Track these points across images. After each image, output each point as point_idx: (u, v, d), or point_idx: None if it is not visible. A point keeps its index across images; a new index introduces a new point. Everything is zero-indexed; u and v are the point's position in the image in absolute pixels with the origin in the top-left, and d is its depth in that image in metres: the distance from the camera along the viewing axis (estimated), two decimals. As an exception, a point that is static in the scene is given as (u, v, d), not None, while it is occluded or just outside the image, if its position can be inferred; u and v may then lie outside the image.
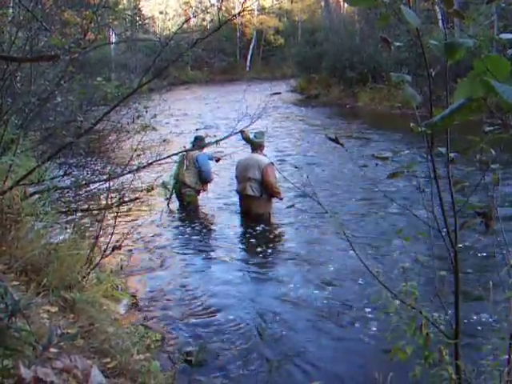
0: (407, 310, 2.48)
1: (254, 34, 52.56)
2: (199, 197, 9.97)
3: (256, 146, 9.04)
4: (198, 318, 5.72)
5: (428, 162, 2.39)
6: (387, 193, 8.38)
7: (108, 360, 3.91)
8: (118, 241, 5.45)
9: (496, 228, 2.66)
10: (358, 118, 21.64)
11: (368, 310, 5.48)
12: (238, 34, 52.77)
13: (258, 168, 8.75)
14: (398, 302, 2.50)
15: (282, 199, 9.09)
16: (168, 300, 6.14)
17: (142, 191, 6.10)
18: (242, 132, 3.09)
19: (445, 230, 2.37)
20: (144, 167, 6.12)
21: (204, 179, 9.71)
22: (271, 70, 49.47)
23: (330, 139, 2.57)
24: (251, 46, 52.18)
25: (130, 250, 7.56)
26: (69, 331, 4.08)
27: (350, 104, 25.58)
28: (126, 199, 6.09)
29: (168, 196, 9.74)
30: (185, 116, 22.51)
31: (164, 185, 5.17)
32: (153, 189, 5.88)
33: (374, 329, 5.10)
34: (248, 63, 51.89)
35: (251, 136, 8.48)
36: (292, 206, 9.21)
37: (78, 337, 3.97)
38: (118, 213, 5.34)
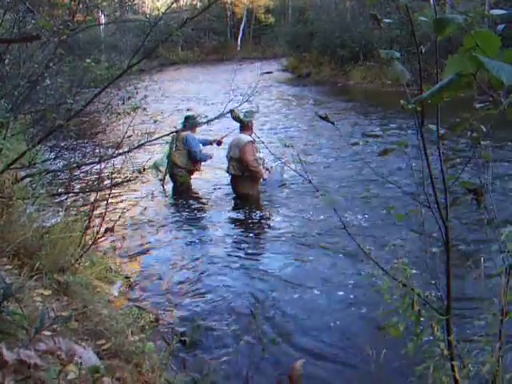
0: (399, 287, 2.49)
1: (245, 13, 52.27)
2: (192, 177, 9.92)
3: (244, 126, 8.96)
4: (191, 297, 5.73)
5: (418, 139, 2.38)
6: (378, 170, 8.40)
7: (103, 342, 3.91)
8: (110, 223, 5.45)
9: (487, 204, 2.66)
10: (350, 96, 21.58)
11: (360, 287, 5.49)
12: (229, 13, 52.45)
13: (238, 147, 8.77)
14: (389, 279, 2.50)
15: (264, 179, 9.10)
16: (162, 281, 6.15)
17: (133, 173, 6.08)
18: (231, 111, 3.04)
19: (436, 206, 2.37)
20: (134, 149, 6.09)
21: (194, 159, 9.64)
22: (262, 49, 49.31)
23: (321, 117, 2.56)
24: (242, 26, 51.88)
25: (124, 232, 7.56)
26: (62, 314, 4.09)
27: (342, 82, 25.52)
28: (118, 181, 6.06)
29: (162, 177, 9.74)
30: (175, 96, 22.38)
31: (155, 166, 5.14)
32: (144, 170, 5.86)
33: (367, 306, 5.10)
34: (239, 43, 51.64)
35: (241, 115, 8.42)
36: (283, 184, 9.19)
37: (71, 319, 3.99)
38: (109, 195, 5.31)
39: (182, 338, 4.80)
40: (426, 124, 2.47)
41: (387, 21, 2.61)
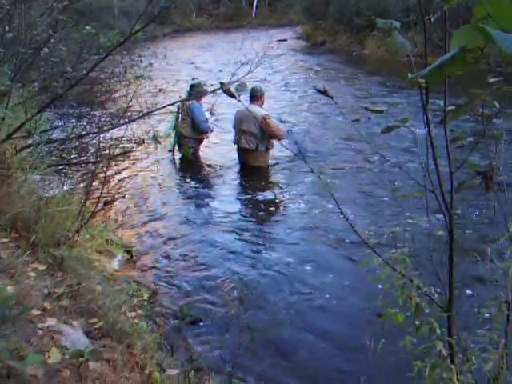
0: (398, 277, 2.32)
1: (260, -21, 51.53)
2: (201, 146, 9.73)
3: (255, 97, 8.81)
4: (192, 272, 5.64)
5: (423, 116, 2.19)
6: (381, 149, 8.10)
7: (95, 320, 3.80)
8: (110, 195, 5.31)
9: (497, 189, 2.47)
10: (364, 65, 21.18)
11: (359, 276, 5.21)
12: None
13: (254, 121, 8.50)
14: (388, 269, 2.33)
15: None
16: (163, 254, 6.03)
17: (136, 144, 5.91)
18: (221, 85, 2.86)
19: (440, 192, 2.18)
20: (137, 119, 5.92)
21: (198, 129, 9.43)
22: (278, 16, 48.62)
23: (319, 91, 2.37)
24: (257, -8, 51.18)
25: (128, 203, 7.43)
26: (55, 290, 3.98)
27: (357, 51, 25.07)
28: (116, 153, 5.90)
29: (171, 147, 9.55)
30: (185, 64, 22.07)
31: (154, 137, 4.96)
32: (143, 142, 5.69)
33: (364, 295, 4.90)
34: (254, 10, 50.95)
35: (232, 89, 8.04)
36: (276, 163, 8.97)
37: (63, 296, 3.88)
38: (108, 166, 5.16)
39: (179, 316, 4.70)
40: (433, 100, 2.28)
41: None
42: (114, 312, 4.02)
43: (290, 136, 8.41)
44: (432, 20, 2.26)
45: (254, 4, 50.76)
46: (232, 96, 2.52)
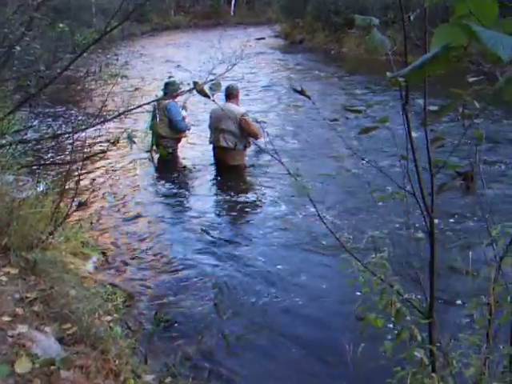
0: (378, 282, 2.25)
1: (238, -23, 51.41)
2: (179, 146, 9.60)
3: (230, 95, 8.72)
4: (168, 274, 5.57)
5: (403, 116, 2.13)
6: (361, 150, 7.93)
7: (68, 326, 3.70)
8: (85, 196, 5.21)
9: (479, 190, 2.43)
10: (341, 64, 21.14)
11: (338, 280, 5.13)
12: (222, -23, 51.61)
13: (233, 119, 8.41)
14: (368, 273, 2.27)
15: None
16: (139, 256, 5.94)
17: (111, 143, 5.80)
18: (195, 84, 2.78)
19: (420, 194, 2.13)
20: (112, 118, 5.82)
21: (175, 129, 9.29)
22: (256, 14, 48.51)
23: (296, 91, 2.30)
24: (235, -10, 51.06)
25: (103, 204, 7.32)
26: (28, 295, 3.88)
27: (335, 50, 25.05)
28: (94, 152, 5.79)
29: (149, 148, 9.41)
30: (163, 63, 21.86)
31: (130, 137, 4.87)
32: (117, 142, 5.58)
33: (344, 300, 4.77)
34: (232, 8, 50.82)
35: (206, 88, 7.85)
36: (252, 165, 8.86)
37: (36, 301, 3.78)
38: (83, 166, 5.06)
39: (155, 321, 4.62)
40: (413, 99, 2.23)
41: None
42: (88, 317, 3.93)
43: (266, 136, 8.32)
44: (411, 18, 2.20)
45: (232, 2, 50.64)
46: (206, 96, 2.45)
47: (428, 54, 1.29)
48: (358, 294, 2.64)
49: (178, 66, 20.34)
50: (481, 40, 1.12)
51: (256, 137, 8.58)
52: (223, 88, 8.56)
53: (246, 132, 8.55)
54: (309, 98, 2.31)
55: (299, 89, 2.29)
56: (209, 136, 8.99)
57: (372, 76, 16.08)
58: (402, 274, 2.49)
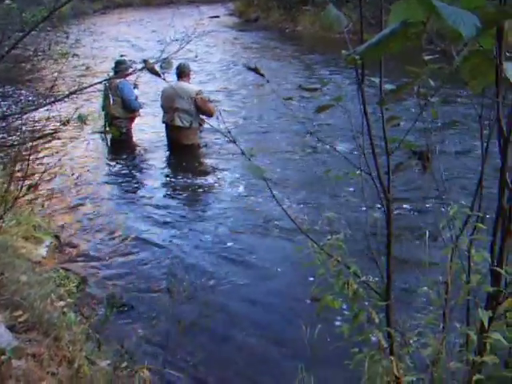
0: (334, 263, 2.22)
1: (192, -47, 50.70)
2: (132, 125, 9.41)
3: (182, 74, 8.58)
4: (122, 257, 5.51)
5: (358, 94, 2.09)
6: (317, 129, 7.88)
7: (20, 313, 3.60)
8: (35, 179, 5.06)
9: (434, 169, 2.41)
10: (296, 42, 21.04)
11: (293, 261, 5.08)
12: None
13: (187, 98, 8.29)
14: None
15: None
16: (92, 239, 5.84)
17: (61, 124, 5.64)
18: (144, 62, 2.68)
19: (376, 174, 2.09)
20: (63, 99, 5.64)
21: (129, 108, 9.10)
22: (210, -8, 48.03)
23: (250, 69, 2.24)
24: (188, -33, 50.36)
25: (56, 186, 7.16)
26: (-24, 283, 3.77)
27: (290, 28, 24.94)
28: (43, 133, 5.62)
29: (102, 128, 9.21)
30: (114, 41, 21.45)
31: (81, 117, 4.73)
32: (68, 122, 5.43)
33: (300, 282, 4.69)
34: (185, -15, 50.20)
35: (156, 67, 7.51)
36: (205, 145, 8.77)
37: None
38: (33, 148, 4.90)
39: (108, 304, 4.54)
40: (369, 77, 2.19)
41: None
42: (40, 303, 3.84)
43: (219, 115, 8.18)
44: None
45: (186, -20, 50.01)
46: (156, 74, 2.37)
47: (385, 30, 1.24)
48: (313, 277, 2.60)
49: (131, 44, 20.02)
50: (441, 16, 1.07)
51: (211, 115, 8.47)
52: (174, 66, 8.45)
53: (201, 110, 8.44)
54: (263, 75, 2.25)
55: (253, 66, 2.23)
56: (161, 115, 8.84)
57: (328, 54, 15.99)
58: (359, 255, 2.45)
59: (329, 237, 2.26)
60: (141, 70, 6.37)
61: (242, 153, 2.21)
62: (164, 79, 2.29)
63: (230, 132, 2.36)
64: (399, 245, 4.75)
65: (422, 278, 2.49)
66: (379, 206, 2.20)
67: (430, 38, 1.42)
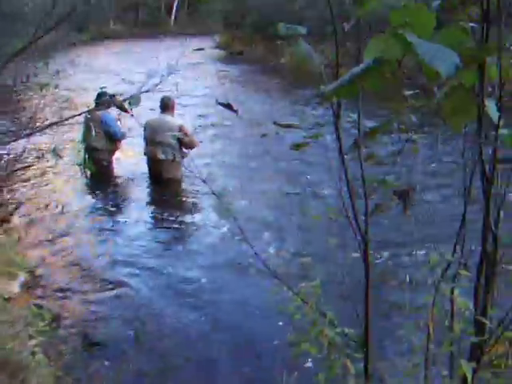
0: (309, 311, 2.11)
1: (179, -13, 51.31)
2: (113, 158, 9.29)
3: (165, 107, 8.52)
4: (97, 292, 5.34)
5: (334, 132, 2.00)
6: (294, 167, 7.66)
7: (-14, 354, 3.45)
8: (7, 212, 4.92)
9: (416, 209, 2.32)
10: (279, 75, 21.12)
11: (269, 303, 4.54)
12: (163, -13, 51.40)
13: (170, 131, 8.17)
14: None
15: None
16: (67, 275, 5.68)
17: (37, 157, 5.53)
18: (111, 97, 2.61)
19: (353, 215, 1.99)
20: (41, 130, 5.55)
21: (113, 139, 8.98)
22: (196, 25, 48.46)
23: (222, 105, 2.14)
24: (176, 1, 50.84)
25: (32, 220, 7.00)
26: None
27: (273, 61, 25.09)
28: (18, 167, 5.51)
29: (81, 162, 9.07)
30: (98, 72, 21.37)
31: (54, 151, 4.61)
32: (43, 156, 5.32)
33: (275, 325, 4.50)
34: (172, 18, 50.63)
35: (125, 102, 7.24)
36: (187, 178, 8.67)
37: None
38: (7, 180, 4.78)
39: (81, 343, 4.38)
40: (348, 111, 2.11)
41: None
42: (10, 342, 3.68)
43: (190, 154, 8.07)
44: (346, 29, 2.07)
45: (173, 12, 50.49)
46: (124, 110, 2.28)
47: (357, 68, 1.15)
48: (289, 320, 2.47)
49: (114, 76, 19.96)
50: (417, 53, 0.98)
51: (193, 147, 8.45)
52: (160, 99, 8.41)
53: (183, 144, 8.38)
54: (236, 112, 2.16)
55: (226, 103, 2.14)
56: (143, 148, 8.74)
57: (310, 88, 16.03)
58: (337, 300, 2.34)
59: (303, 283, 2.15)
60: (108, 106, 6.27)
61: (213, 193, 2.11)
62: (132, 115, 2.20)
63: (199, 172, 2.26)
64: (379, 289, 4.64)
65: (404, 324, 2.37)
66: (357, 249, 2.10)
67: (407, 78, 1.33)
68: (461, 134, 2.11)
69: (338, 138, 1.89)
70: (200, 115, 13.59)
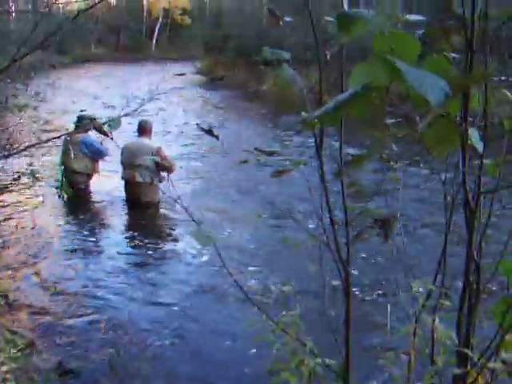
0: (289, 341, 2.07)
1: (161, 12, 51.58)
2: (91, 181, 9.21)
3: (144, 130, 8.55)
4: (72, 318, 5.20)
5: (317, 161, 1.97)
6: (275, 194, 7.54)
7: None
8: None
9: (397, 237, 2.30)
10: (260, 101, 21.26)
11: (246, 332, 4.34)
12: (145, 13, 51.65)
13: (149, 154, 8.20)
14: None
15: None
16: (42, 299, 5.56)
17: (13, 180, 5.45)
18: (92, 120, 2.58)
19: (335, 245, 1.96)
20: (17, 153, 5.48)
21: (98, 157, 9.01)
22: (178, 50, 48.76)
23: (203, 130, 2.11)
24: (157, 26, 51.12)
25: (6, 244, 6.88)
26: None
27: (254, 87, 25.21)
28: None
29: (59, 184, 8.99)
30: (77, 95, 21.32)
31: (32, 173, 4.54)
32: (19, 178, 5.24)
33: (254, 355, 4.43)
34: (154, 42, 50.88)
35: (104, 125, 7.17)
36: (164, 202, 8.63)
37: None
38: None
39: (57, 371, 4.27)
40: (330, 139, 2.09)
41: (288, 19, 2.21)
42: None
43: (169, 180, 8.01)
44: (328, 56, 2.06)
45: (155, 37, 50.72)
46: (104, 133, 2.25)
47: (343, 94, 1.12)
48: (266, 349, 2.42)
49: (94, 99, 19.92)
50: (406, 79, 0.96)
51: (171, 171, 8.38)
52: (137, 123, 8.41)
53: (161, 167, 8.36)
54: (217, 138, 2.13)
55: (207, 128, 2.11)
56: (121, 172, 8.70)
57: (291, 115, 16.07)
58: (317, 329, 2.30)
59: (283, 312, 2.11)
60: (88, 129, 6.22)
61: (193, 220, 2.07)
62: (111, 138, 2.16)
63: (179, 197, 2.22)
64: (360, 319, 4.57)
65: (384, 355, 2.33)
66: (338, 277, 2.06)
67: (392, 105, 1.31)
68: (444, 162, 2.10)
69: (321, 166, 1.87)
70: (179, 141, 13.58)
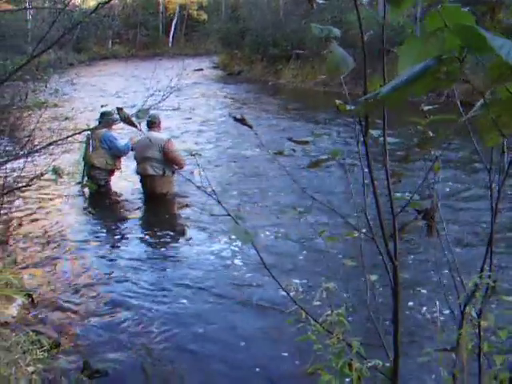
0: (334, 342, 1.95)
1: (177, 8, 51.48)
2: (112, 177, 9.19)
3: (153, 124, 8.62)
4: (98, 317, 5.13)
5: (360, 149, 1.85)
6: (309, 186, 7.39)
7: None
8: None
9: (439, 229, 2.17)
10: (280, 95, 21.14)
11: (284, 328, 4.44)
12: (161, 8, 51.60)
13: (158, 146, 8.35)
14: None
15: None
16: (67, 298, 5.49)
17: (35, 177, 5.37)
18: (118, 110, 2.51)
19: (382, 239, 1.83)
20: (40, 150, 5.40)
21: (119, 155, 9.03)
22: (194, 45, 48.79)
23: (236, 120, 2.01)
24: (174, 22, 51.04)
25: (31, 241, 6.84)
26: None
27: (273, 81, 25.09)
28: (14, 187, 5.35)
29: (80, 179, 8.98)
30: (96, 92, 21.38)
31: (55, 170, 4.46)
32: (42, 175, 5.17)
33: (295, 356, 4.26)
34: (170, 39, 50.82)
35: (132, 116, 7.03)
36: (183, 194, 8.59)
37: None
38: (3, 201, 4.63)
39: (82, 372, 4.20)
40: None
41: (321, 1, 2.08)
42: (7, 368, 3.52)
43: (201, 170, 7.90)
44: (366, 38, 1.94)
45: (171, 33, 50.68)
46: (131, 124, 2.15)
47: (414, 68, 1.00)
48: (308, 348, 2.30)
49: (113, 95, 19.92)
50: (491, 48, 0.84)
51: (179, 163, 8.49)
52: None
53: (168, 158, 8.45)
54: (250, 127, 2.02)
55: (239, 117, 2.00)
56: (136, 167, 8.84)
57: (312, 107, 15.98)
58: (361, 329, 2.18)
59: (328, 312, 1.99)
60: (115, 120, 6.14)
61: (228, 214, 1.95)
62: (140, 130, 2.06)
63: (214, 191, 2.12)
64: (406, 315, 4.37)
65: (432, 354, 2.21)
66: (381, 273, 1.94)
67: (464, 80, 1.19)
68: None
69: (367, 154, 1.74)
70: (204, 134, 13.61)
